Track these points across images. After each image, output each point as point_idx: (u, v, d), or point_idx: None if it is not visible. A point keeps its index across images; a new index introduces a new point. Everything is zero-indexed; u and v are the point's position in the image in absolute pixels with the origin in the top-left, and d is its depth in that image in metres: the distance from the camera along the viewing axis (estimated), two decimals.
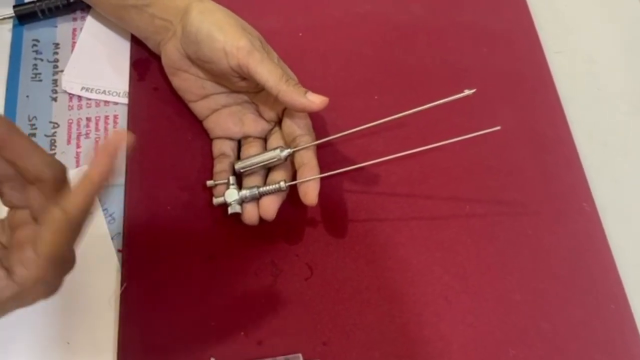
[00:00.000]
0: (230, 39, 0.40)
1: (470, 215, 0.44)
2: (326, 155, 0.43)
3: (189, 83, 0.44)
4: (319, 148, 0.42)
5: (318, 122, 0.44)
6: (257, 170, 0.42)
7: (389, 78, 0.49)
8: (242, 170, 0.42)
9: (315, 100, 0.39)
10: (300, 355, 0.38)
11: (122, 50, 0.50)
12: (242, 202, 0.41)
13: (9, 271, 0.29)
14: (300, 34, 0.51)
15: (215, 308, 0.41)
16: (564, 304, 0.41)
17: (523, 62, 0.51)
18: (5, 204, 0.32)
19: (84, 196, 0.28)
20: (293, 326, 0.40)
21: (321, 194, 0.40)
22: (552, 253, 0.43)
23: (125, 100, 0.48)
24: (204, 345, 0.40)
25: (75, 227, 0.29)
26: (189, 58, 0.43)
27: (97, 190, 0.28)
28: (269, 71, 0.39)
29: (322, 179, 0.40)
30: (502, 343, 0.40)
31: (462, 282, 0.42)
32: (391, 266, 0.42)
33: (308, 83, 0.41)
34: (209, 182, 0.42)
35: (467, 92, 0.36)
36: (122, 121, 0.47)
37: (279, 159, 0.41)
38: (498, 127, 0.38)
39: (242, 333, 0.40)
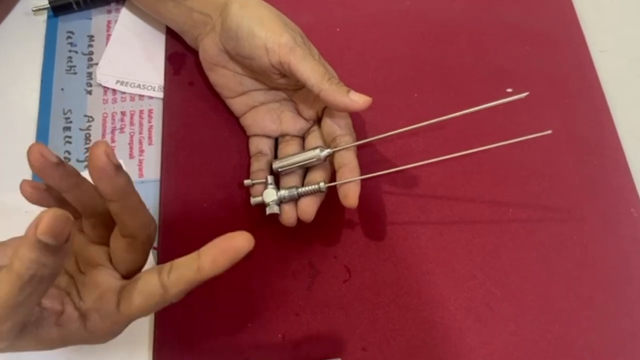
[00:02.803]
0: (271, 35, 0.39)
1: (513, 219, 0.43)
2: (364, 155, 0.42)
3: (226, 79, 0.43)
4: (357, 148, 0.41)
5: (356, 120, 0.43)
6: (295, 169, 0.41)
7: (429, 76, 0.48)
8: (280, 170, 0.41)
9: (359, 100, 0.38)
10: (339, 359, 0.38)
11: (157, 43, 0.49)
12: (280, 202, 0.40)
13: (83, 317, 0.29)
14: (338, 30, 0.50)
15: (252, 309, 0.40)
16: (612, 314, 0.40)
17: (567, 61, 0.49)
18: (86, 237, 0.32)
19: (189, 284, 0.28)
20: (331, 330, 0.39)
21: (360, 195, 0.39)
22: (598, 260, 0.42)
23: (161, 95, 0.47)
24: (240, 346, 0.39)
25: (165, 304, 0.29)
26: (228, 53, 0.42)
27: (201, 282, 0.28)
28: (311, 69, 0.38)
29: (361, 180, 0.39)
30: (547, 353, 0.39)
31: (504, 288, 0.41)
32: (432, 270, 0.41)
33: (346, 80, 0.39)
34: (247, 181, 0.42)
35: (518, 95, 0.35)
36: (157, 116, 0.46)
37: (318, 159, 0.40)
38: (549, 131, 0.36)
39: (280, 335, 0.39)
